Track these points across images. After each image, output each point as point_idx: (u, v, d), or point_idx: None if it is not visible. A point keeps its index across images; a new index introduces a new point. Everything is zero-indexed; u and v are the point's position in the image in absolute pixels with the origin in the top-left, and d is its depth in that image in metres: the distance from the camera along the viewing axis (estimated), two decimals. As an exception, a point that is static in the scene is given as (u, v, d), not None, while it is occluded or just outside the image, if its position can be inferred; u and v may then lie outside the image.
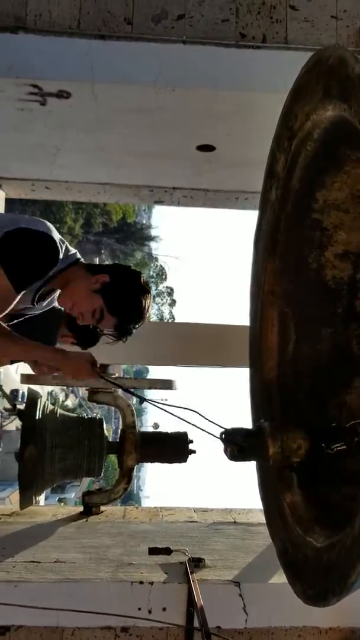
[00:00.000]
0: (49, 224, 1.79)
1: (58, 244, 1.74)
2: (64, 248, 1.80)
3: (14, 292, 1.65)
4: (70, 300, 1.83)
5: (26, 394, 2.69)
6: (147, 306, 1.85)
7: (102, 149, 3.10)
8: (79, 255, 1.89)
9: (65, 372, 1.84)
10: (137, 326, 1.86)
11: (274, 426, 1.38)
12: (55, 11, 2.52)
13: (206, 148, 3.07)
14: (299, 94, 1.38)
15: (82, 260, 1.90)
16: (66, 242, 1.85)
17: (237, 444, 1.38)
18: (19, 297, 1.68)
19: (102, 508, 2.74)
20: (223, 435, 1.40)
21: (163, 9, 2.60)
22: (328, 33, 2.65)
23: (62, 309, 2.05)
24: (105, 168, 3.40)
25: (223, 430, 1.41)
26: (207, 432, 1.45)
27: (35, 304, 1.84)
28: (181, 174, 3.51)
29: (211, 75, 2.55)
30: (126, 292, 1.82)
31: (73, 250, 1.88)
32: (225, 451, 1.41)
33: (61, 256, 1.76)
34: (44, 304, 1.94)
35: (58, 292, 1.91)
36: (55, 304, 2.02)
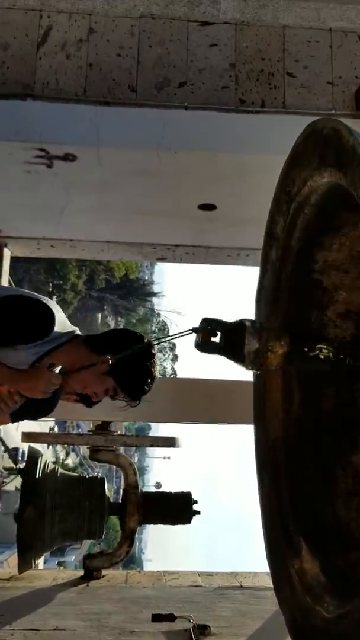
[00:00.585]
0: (50, 300, 1.83)
1: (54, 313, 1.75)
2: (59, 318, 1.81)
3: None
4: (81, 384, 1.83)
5: (27, 452, 2.65)
6: (156, 369, 1.86)
7: (107, 208, 3.17)
8: (78, 332, 1.90)
9: (23, 388, 1.73)
10: (149, 388, 1.87)
11: (257, 325, 1.35)
12: (62, 79, 2.64)
13: (207, 207, 3.14)
14: (296, 161, 1.43)
15: (81, 335, 1.91)
16: (64, 319, 1.86)
17: (212, 332, 1.38)
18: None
19: (104, 572, 2.65)
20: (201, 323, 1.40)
21: (165, 77, 2.71)
22: (325, 98, 2.76)
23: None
24: (110, 226, 3.47)
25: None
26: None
27: None
28: (183, 231, 3.58)
29: (212, 138, 2.63)
30: (134, 366, 1.82)
31: (72, 328, 1.89)
32: (197, 339, 1.40)
33: (56, 329, 1.77)
34: None
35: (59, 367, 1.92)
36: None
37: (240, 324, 1.36)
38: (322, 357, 1.33)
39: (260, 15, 2.76)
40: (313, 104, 2.75)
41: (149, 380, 1.83)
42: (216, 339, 1.41)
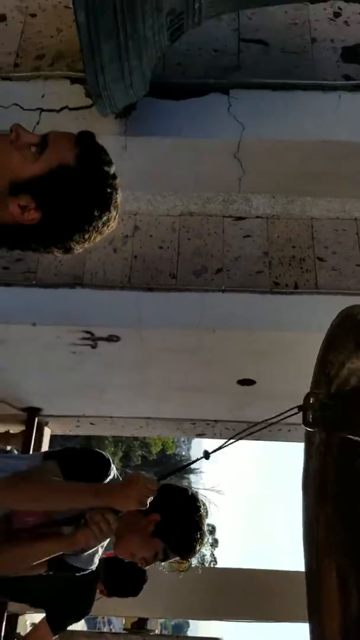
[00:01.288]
0: None
1: (112, 464, 1.74)
2: (114, 470, 1.78)
3: (61, 477, 1.63)
4: (128, 551, 1.74)
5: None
6: (204, 522, 1.77)
7: (147, 385, 3.22)
8: None
9: (116, 500, 1.55)
10: (199, 545, 1.75)
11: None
12: (109, 270, 2.87)
13: (247, 382, 3.16)
14: (332, 345, 1.46)
15: None
16: (117, 473, 1.83)
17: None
18: None
19: None
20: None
21: (203, 265, 2.92)
22: (355, 279, 2.89)
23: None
24: (149, 403, 3.50)
25: None
26: None
27: None
28: (223, 407, 3.57)
29: (249, 318, 2.74)
30: (182, 523, 1.74)
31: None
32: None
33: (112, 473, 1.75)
34: (88, 554, 1.84)
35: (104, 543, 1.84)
36: (96, 561, 1.91)
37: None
38: None
39: (289, 210, 3.03)
40: (344, 284, 2.88)
41: (199, 536, 1.74)
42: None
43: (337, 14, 2.11)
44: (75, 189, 1.05)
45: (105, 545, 1.92)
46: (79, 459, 1.70)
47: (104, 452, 1.78)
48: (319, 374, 1.55)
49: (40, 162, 1.04)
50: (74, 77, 1.91)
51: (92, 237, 1.10)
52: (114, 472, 1.78)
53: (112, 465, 1.75)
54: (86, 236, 1.09)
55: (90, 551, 1.81)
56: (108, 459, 1.75)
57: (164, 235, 2.99)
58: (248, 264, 2.91)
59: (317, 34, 2.07)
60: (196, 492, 1.90)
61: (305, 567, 1.56)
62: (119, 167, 1.29)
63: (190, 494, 1.84)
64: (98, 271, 2.85)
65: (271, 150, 1.97)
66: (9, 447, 3.70)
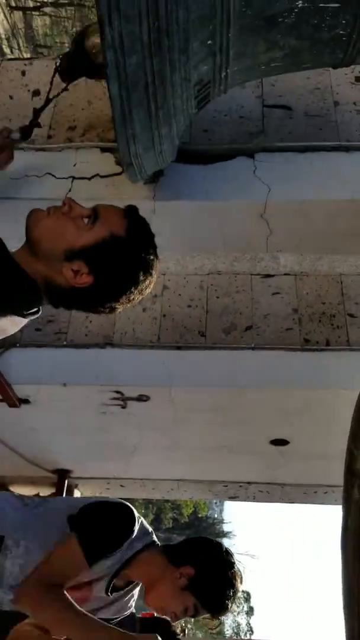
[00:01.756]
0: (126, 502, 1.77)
1: (135, 514, 1.68)
2: (139, 523, 1.72)
3: (86, 564, 1.55)
4: (159, 603, 1.68)
5: None
6: (238, 580, 1.69)
7: (178, 446, 3.17)
8: (154, 537, 1.79)
9: None
10: (232, 603, 1.68)
11: None
12: (138, 329, 2.88)
13: (280, 442, 3.09)
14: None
15: (157, 542, 1.79)
16: (142, 519, 1.77)
17: None
18: (90, 571, 1.57)
19: None
20: None
21: (232, 323, 2.92)
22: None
23: (133, 612, 1.89)
24: (180, 464, 3.44)
25: None
26: None
27: (109, 594, 1.69)
28: (256, 468, 3.48)
29: (280, 376, 2.70)
30: (216, 579, 1.67)
31: (149, 529, 1.78)
32: None
33: (136, 530, 1.68)
34: (118, 604, 1.77)
35: (135, 592, 1.77)
36: (128, 611, 1.85)
37: None
38: None
39: (317, 267, 3.04)
40: (378, 342, 2.84)
41: (232, 593, 1.67)
42: None
43: (358, 79, 2.17)
44: (125, 256, 1.19)
45: (136, 597, 1.84)
46: (102, 527, 1.64)
47: (126, 507, 1.70)
48: (357, 428, 1.50)
49: (93, 232, 1.17)
50: (104, 147, 1.99)
51: (135, 299, 1.23)
52: (138, 525, 1.71)
53: (137, 519, 1.68)
54: (130, 297, 1.22)
55: (120, 602, 1.75)
56: (133, 517, 1.68)
57: (192, 294, 3.01)
58: (277, 321, 2.90)
59: (339, 97, 2.13)
60: (229, 548, 1.83)
61: (346, 633, 1.47)
62: (148, 231, 1.32)
63: (224, 549, 1.77)
64: (128, 330, 2.87)
65: (298, 210, 1.99)
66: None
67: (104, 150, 2.00)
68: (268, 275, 3.05)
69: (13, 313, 1.25)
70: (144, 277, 1.21)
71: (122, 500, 1.76)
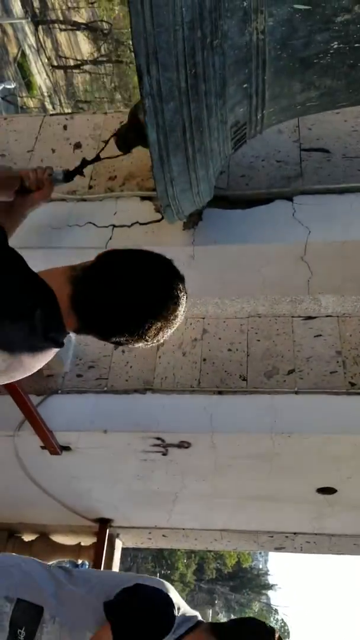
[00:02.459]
0: (167, 584, 1.69)
1: (175, 608, 1.60)
2: (180, 612, 1.65)
3: None
4: None
5: None
6: None
7: (220, 494, 3.08)
8: (199, 617, 1.72)
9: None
10: None
11: None
12: (179, 373, 2.86)
13: (327, 490, 2.97)
14: None
15: (203, 621, 1.72)
16: (183, 604, 1.70)
17: None
18: None
19: None
20: None
21: (274, 366, 2.86)
22: None
23: None
24: (223, 513, 3.33)
25: None
26: None
27: None
28: (302, 517, 3.34)
29: (325, 421, 2.62)
30: None
31: (192, 613, 1.71)
32: None
33: (175, 621, 1.61)
34: None
35: None
36: None
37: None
38: None
39: (358, 308, 2.98)
40: None
41: None
42: None
43: None
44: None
45: None
46: (139, 625, 1.59)
47: (164, 599, 1.63)
48: None
49: None
50: (144, 195, 2.02)
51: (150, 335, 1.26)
52: (179, 611, 1.65)
53: (175, 609, 1.62)
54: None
55: None
56: (170, 612, 1.62)
57: (232, 337, 2.98)
58: (321, 364, 2.83)
59: (377, 138, 2.12)
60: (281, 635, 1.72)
61: None
62: (187, 275, 1.31)
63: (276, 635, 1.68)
64: (168, 375, 2.85)
65: (339, 251, 1.96)
66: (80, 561, 3.58)
67: (143, 198, 2.04)
68: (309, 317, 3.00)
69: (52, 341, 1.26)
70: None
71: (159, 585, 1.70)
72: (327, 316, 2.99)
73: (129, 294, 1.21)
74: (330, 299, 3.01)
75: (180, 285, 1.25)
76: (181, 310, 1.26)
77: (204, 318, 3.07)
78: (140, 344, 1.25)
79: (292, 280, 2.07)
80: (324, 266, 1.99)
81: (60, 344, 1.28)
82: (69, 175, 1.79)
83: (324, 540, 3.53)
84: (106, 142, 1.93)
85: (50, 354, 1.30)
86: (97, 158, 1.86)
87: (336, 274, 2.05)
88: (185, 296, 1.27)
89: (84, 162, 1.83)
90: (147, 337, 1.23)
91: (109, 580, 1.80)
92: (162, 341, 1.27)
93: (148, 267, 1.26)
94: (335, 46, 1.40)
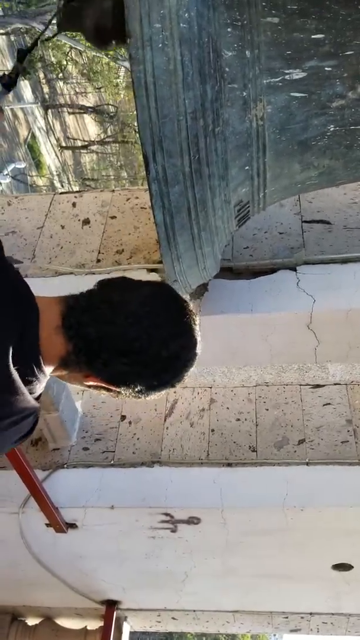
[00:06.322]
0: None
1: None
2: None
3: None
4: None
5: None
6: None
7: (232, 573, 2.96)
8: None
9: None
10: None
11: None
12: (186, 445, 2.81)
13: (343, 567, 2.85)
14: None
15: None
16: None
17: None
18: None
19: None
20: None
21: (284, 436, 2.81)
22: None
23: None
24: (236, 593, 3.18)
25: None
26: None
27: None
28: (318, 597, 3.19)
29: (339, 493, 2.54)
30: None
31: None
32: None
33: None
34: None
35: None
36: None
37: None
38: None
39: (368, 372, 2.96)
40: None
41: None
42: None
43: (393, 189, 2.23)
44: None
45: None
46: None
47: None
48: None
49: None
50: (151, 268, 2.06)
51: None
52: None
53: None
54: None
55: None
56: None
57: (240, 407, 2.95)
58: (332, 433, 2.78)
59: (377, 208, 2.18)
60: None
61: None
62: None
63: None
64: (176, 447, 2.80)
65: (344, 319, 1.97)
66: (85, 648, 3.39)
67: (150, 270, 2.08)
68: (318, 386, 2.98)
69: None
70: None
71: None
72: (335, 384, 2.97)
73: (139, 311, 1.01)
74: (337, 367, 2.99)
75: (196, 318, 1.07)
76: (197, 342, 1.06)
77: (211, 387, 3.05)
78: (146, 384, 1.04)
79: (299, 349, 2.08)
80: (330, 334, 2.00)
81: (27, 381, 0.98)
82: (6, 83, 1.54)
83: (341, 621, 3.35)
84: (51, 19, 1.81)
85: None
86: (35, 44, 1.79)
87: (343, 341, 2.06)
88: (200, 329, 1.08)
89: (20, 54, 1.59)
90: (157, 369, 1.02)
91: None
92: (171, 383, 1.06)
93: (161, 291, 1.10)
94: (332, 129, 1.47)
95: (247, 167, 1.51)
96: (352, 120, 1.46)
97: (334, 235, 2.09)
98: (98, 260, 2.18)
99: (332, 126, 1.48)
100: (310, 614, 3.36)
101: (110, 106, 18.27)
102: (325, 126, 1.48)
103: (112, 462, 2.74)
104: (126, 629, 3.42)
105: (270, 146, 1.50)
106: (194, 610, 3.35)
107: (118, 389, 1.04)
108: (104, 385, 1.05)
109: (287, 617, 3.41)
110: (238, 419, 2.90)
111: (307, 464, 2.67)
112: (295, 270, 2.03)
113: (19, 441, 1.05)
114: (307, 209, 2.20)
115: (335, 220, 2.14)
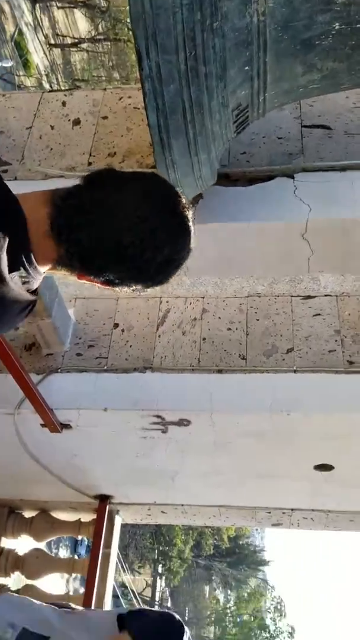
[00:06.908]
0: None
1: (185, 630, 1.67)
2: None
3: None
4: None
5: None
6: None
7: (219, 472, 3.12)
8: None
9: None
10: None
11: None
12: (178, 352, 2.87)
13: (324, 467, 3.00)
14: None
15: None
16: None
17: None
18: None
19: None
20: None
21: (273, 345, 2.87)
22: None
23: None
24: (222, 490, 3.37)
25: None
26: None
27: None
28: (300, 494, 3.38)
29: (323, 399, 2.63)
30: None
31: None
32: None
33: None
34: None
35: None
36: None
37: None
38: None
39: (357, 287, 2.98)
40: None
41: None
42: None
43: None
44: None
45: None
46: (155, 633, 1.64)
47: (178, 620, 1.70)
48: None
49: None
50: (144, 172, 2.01)
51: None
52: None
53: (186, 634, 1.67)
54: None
55: None
56: (182, 632, 1.67)
57: (232, 317, 2.99)
58: (320, 342, 2.84)
59: (379, 115, 2.10)
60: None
61: None
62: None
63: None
64: (167, 355, 2.86)
65: (339, 229, 1.96)
66: (79, 537, 3.63)
67: (143, 175, 2.02)
68: (308, 297, 3.00)
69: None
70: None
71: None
72: (326, 295, 2.99)
73: (132, 216, 0.99)
74: (329, 278, 3.01)
75: (189, 214, 1.04)
76: (190, 242, 1.05)
77: (203, 297, 3.07)
78: (139, 285, 1.04)
79: (293, 259, 2.08)
80: (324, 244, 1.99)
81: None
82: None
83: (320, 517, 3.58)
84: None
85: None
86: None
87: (336, 252, 2.06)
88: (194, 226, 1.05)
89: None
90: (150, 274, 1.02)
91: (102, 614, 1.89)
92: (164, 282, 1.07)
93: (153, 189, 1.05)
94: (337, 27, 1.39)
95: (246, 68, 1.44)
96: (358, 18, 1.37)
97: (334, 142, 2.03)
98: (89, 164, 2.11)
99: (337, 24, 1.39)
100: (292, 509, 3.58)
101: (101, 0, 17.03)
102: (330, 24, 1.40)
103: (105, 367, 2.80)
104: (118, 521, 3.64)
105: (272, 45, 1.41)
106: (182, 505, 3.56)
107: (113, 289, 1.05)
108: (98, 284, 1.06)
109: (269, 512, 3.64)
110: (229, 328, 2.95)
111: (295, 371, 2.75)
112: (292, 177, 1.99)
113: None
114: (307, 112, 2.12)
115: (335, 126, 2.07)
